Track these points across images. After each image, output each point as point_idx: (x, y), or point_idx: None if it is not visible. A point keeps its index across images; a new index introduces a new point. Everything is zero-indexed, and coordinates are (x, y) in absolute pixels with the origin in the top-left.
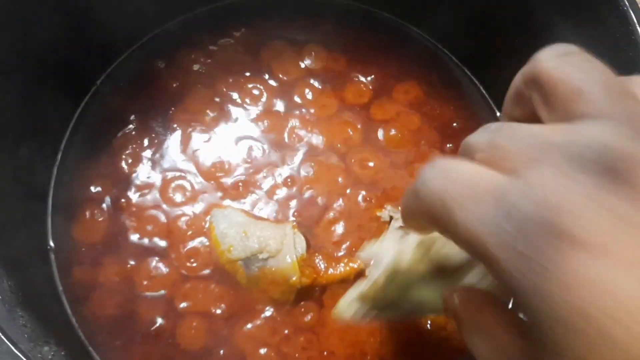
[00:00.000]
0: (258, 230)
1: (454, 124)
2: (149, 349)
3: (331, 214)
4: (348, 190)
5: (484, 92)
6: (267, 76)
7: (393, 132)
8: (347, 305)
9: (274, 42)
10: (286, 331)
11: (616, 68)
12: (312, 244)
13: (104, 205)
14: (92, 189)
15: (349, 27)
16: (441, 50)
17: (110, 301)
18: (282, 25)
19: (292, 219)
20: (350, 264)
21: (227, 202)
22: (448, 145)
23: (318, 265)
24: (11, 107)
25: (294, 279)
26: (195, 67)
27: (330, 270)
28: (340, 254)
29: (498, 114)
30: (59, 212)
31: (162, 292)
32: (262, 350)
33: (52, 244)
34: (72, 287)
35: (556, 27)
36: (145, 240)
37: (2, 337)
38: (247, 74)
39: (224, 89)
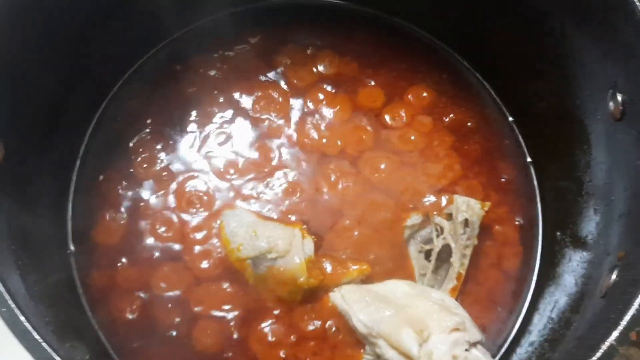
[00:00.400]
0: (267, 231)
1: (468, 124)
2: (165, 351)
3: (344, 219)
4: (360, 195)
5: (494, 95)
6: (281, 82)
7: (406, 135)
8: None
9: (288, 47)
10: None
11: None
12: (321, 247)
13: (122, 209)
14: (110, 193)
15: (360, 32)
16: (451, 55)
17: (128, 303)
18: (295, 31)
19: (301, 221)
20: (357, 266)
21: (239, 203)
22: (465, 147)
23: (325, 267)
24: (32, 113)
25: (301, 279)
26: (212, 72)
27: (338, 272)
28: (347, 256)
29: (510, 118)
30: (79, 216)
31: (178, 293)
32: (275, 352)
33: (72, 247)
34: (91, 289)
35: (567, 34)
36: (161, 244)
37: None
38: (262, 79)
39: (239, 94)
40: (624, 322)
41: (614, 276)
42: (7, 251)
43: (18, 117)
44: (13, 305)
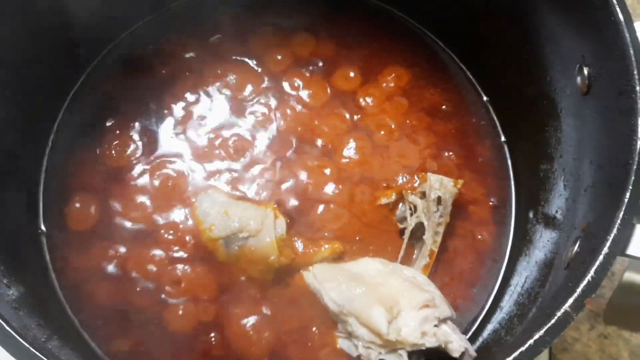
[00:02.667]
0: (239, 211)
1: (443, 105)
2: (139, 332)
3: (317, 199)
4: (334, 175)
5: (470, 76)
6: (257, 65)
7: (381, 116)
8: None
9: (263, 28)
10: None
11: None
12: (293, 226)
13: (94, 191)
14: (82, 175)
15: (336, 12)
16: (428, 35)
17: (100, 284)
18: (270, 12)
19: (274, 201)
20: (329, 245)
21: (213, 183)
22: (440, 128)
23: (297, 246)
24: (2, 94)
25: (272, 258)
26: (186, 54)
27: (309, 251)
28: (320, 236)
29: (484, 97)
30: (51, 199)
31: (151, 274)
32: (247, 331)
33: (43, 228)
34: (63, 272)
35: (539, 9)
36: (133, 225)
37: None
38: (237, 61)
39: (214, 77)
40: (579, 290)
41: (576, 247)
42: None
43: None
44: None
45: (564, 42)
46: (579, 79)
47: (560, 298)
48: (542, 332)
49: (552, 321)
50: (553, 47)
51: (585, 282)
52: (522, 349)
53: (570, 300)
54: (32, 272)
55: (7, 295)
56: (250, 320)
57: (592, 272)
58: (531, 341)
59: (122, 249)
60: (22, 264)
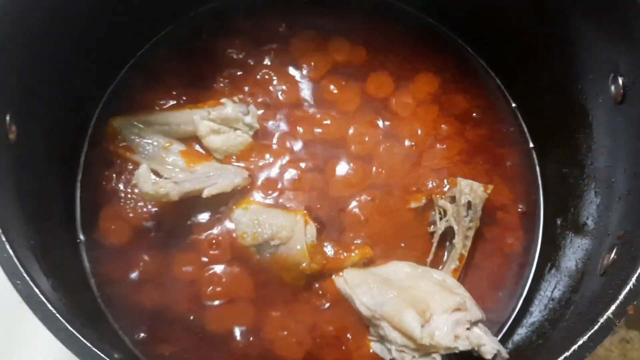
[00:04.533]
0: (270, 218)
1: (473, 112)
2: (178, 334)
3: (349, 203)
4: (366, 179)
5: (498, 81)
6: (295, 68)
7: (412, 121)
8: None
9: (303, 33)
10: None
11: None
12: (324, 232)
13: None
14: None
15: (369, 18)
16: (458, 42)
17: (141, 292)
18: (307, 17)
19: (304, 207)
20: (359, 250)
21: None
22: (469, 134)
23: (328, 251)
24: (45, 88)
25: (304, 265)
26: (229, 51)
27: (340, 257)
28: (350, 241)
29: (513, 104)
30: (88, 206)
31: (189, 278)
32: (284, 333)
33: (82, 237)
34: (101, 276)
35: (571, 18)
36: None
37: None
38: (275, 65)
39: (252, 80)
40: (621, 297)
41: (613, 255)
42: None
43: (30, 92)
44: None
45: (597, 50)
46: (613, 87)
47: (600, 304)
48: (585, 338)
49: (596, 327)
50: (585, 56)
51: (627, 289)
52: (567, 354)
53: (613, 307)
54: (72, 281)
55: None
56: (286, 324)
57: (633, 279)
58: (575, 347)
59: (160, 255)
60: (64, 275)
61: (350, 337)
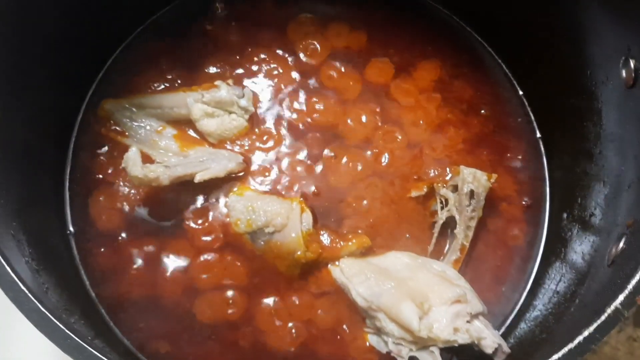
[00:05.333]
0: (265, 205)
1: (478, 99)
2: (168, 323)
3: (348, 192)
4: (366, 168)
5: (506, 69)
6: (291, 54)
7: (414, 110)
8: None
9: (300, 17)
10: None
11: None
12: (321, 220)
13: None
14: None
15: (370, 2)
16: (463, 27)
17: (130, 276)
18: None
19: (300, 194)
20: (357, 240)
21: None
22: (474, 123)
23: (324, 240)
24: (39, 59)
25: (298, 253)
26: (226, 35)
27: (336, 246)
28: (348, 229)
29: (520, 92)
30: (78, 196)
31: (180, 265)
32: (277, 323)
33: (72, 229)
34: (91, 267)
35: (583, 3)
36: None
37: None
38: (272, 48)
39: (247, 62)
40: (630, 286)
41: (621, 244)
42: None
43: (19, 72)
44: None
45: (608, 33)
46: (624, 71)
47: (607, 295)
48: (591, 329)
49: (603, 318)
50: (595, 39)
51: (636, 278)
52: (571, 345)
53: (621, 297)
54: (60, 268)
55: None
56: (279, 314)
57: None
58: (580, 338)
59: (151, 242)
60: (51, 260)
61: (346, 328)
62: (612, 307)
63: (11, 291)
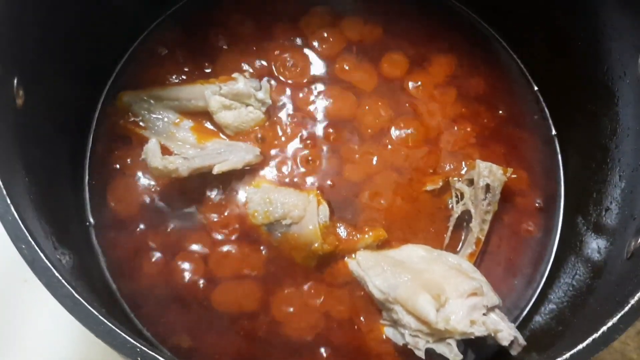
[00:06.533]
0: (282, 197)
1: (492, 96)
2: (186, 313)
3: (363, 185)
4: (381, 161)
5: (520, 64)
6: (306, 46)
7: (429, 103)
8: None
9: (314, 9)
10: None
11: None
12: (338, 213)
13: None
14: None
15: None
16: (478, 21)
17: (149, 268)
18: None
19: (318, 186)
20: (373, 232)
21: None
22: (489, 117)
23: (341, 232)
24: (55, 56)
25: (315, 245)
26: (241, 29)
27: (353, 238)
28: (364, 222)
29: (535, 87)
30: (97, 186)
31: (197, 256)
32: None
33: (92, 220)
34: (111, 256)
35: (602, 8)
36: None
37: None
38: (288, 42)
39: (263, 56)
40: None
41: None
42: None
43: (40, 59)
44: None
45: (625, 29)
46: None
47: (628, 286)
48: (615, 319)
49: (626, 308)
50: (612, 35)
51: None
52: (595, 336)
53: None
54: (82, 259)
55: None
56: (296, 304)
57: None
58: (604, 328)
59: (170, 234)
60: (73, 249)
61: (363, 320)
62: (636, 297)
63: (45, 277)
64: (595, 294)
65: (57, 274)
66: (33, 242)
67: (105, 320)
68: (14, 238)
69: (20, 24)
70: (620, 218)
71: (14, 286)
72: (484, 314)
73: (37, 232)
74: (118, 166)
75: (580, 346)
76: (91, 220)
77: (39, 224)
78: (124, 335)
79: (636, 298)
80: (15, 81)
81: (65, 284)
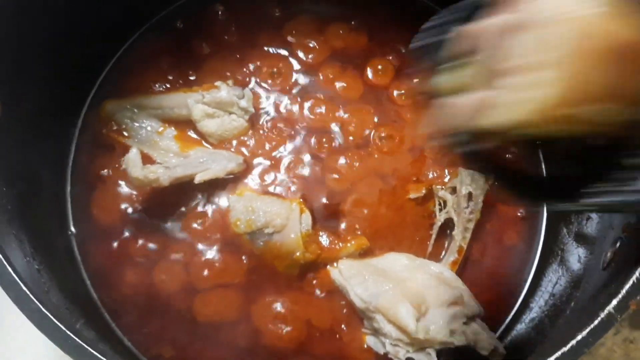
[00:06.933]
0: (264, 206)
1: None
2: (166, 322)
3: (347, 193)
4: (364, 169)
5: None
6: (291, 55)
7: (414, 110)
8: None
9: (299, 17)
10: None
11: None
12: (320, 221)
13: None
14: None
15: (370, 3)
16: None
17: (130, 277)
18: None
19: (301, 195)
20: (355, 241)
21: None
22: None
23: (323, 241)
24: (40, 58)
25: (297, 254)
26: (225, 37)
27: (335, 247)
28: (347, 230)
29: None
30: (79, 194)
31: (179, 265)
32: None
33: (73, 229)
34: (91, 264)
35: None
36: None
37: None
38: (271, 50)
39: (247, 63)
40: (623, 291)
41: (616, 248)
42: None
43: (19, 70)
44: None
45: None
46: None
47: (601, 299)
48: (584, 333)
49: (596, 322)
50: None
51: (630, 283)
52: (564, 349)
53: (614, 302)
54: (62, 269)
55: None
56: (277, 313)
57: (637, 273)
58: (573, 342)
59: (152, 242)
60: (57, 271)
61: (344, 328)
62: (606, 311)
63: (12, 291)
64: (573, 304)
65: (24, 289)
66: (1, 256)
67: (73, 335)
68: None
69: None
70: (600, 227)
71: None
72: (464, 323)
73: (8, 244)
74: (100, 175)
75: (549, 359)
76: (73, 229)
77: (14, 235)
78: (92, 350)
79: (606, 312)
80: None
81: (34, 299)
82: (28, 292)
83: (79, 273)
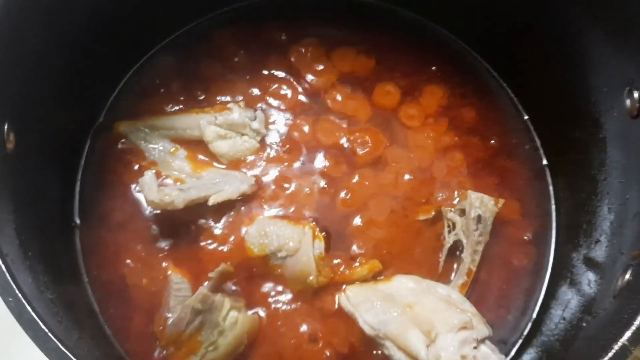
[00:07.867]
0: (277, 230)
1: (484, 126)
2: None
3: (357, 215)
4: (375, 191)
5: (511, 94)
6: (297, 79)
7: (422, 134)
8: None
9: (306, 40)
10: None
11: None
12: (332, 244)
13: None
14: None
15: (377, 27)
16: (469, 52)
17: (138, 300)
18: (314, 25)
19: (312, 218)
20: (368, 264)
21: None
22: (480, 147)
23: (336, 264)
24: (51, 83)
25: (311, 278)
26: (234, 59)
27: (349, 269)
28: (359, 253)
29: (525, 117)
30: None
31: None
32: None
33: (77, 220)
34: (96, 280)
35: (584, 30)
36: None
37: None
38: (278, 73)
39: (254, 87)
40: (637, 322)
41: (627, 276)
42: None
43: (31, 99)
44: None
45: (612, 63)
46: (628, 101)
47: (614, 329)
48: None
49: (610, 354)
50: (600, 68)
51: None
52: None
53: (628, 334)
54: (73, 300)
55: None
56: (292, 335)
57: None
58: None
59: (165, 260)
60: (65, 293)
61: (359, 347)
62: (619, 343)
63: (31, 330)
64: (585, 330)
65: (43, 327)
66: (20, 295)
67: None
68: (1, 291)
69: (10, 68)
70: (609, 252)
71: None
72: (474, 348)
73: (25, 282)
74: (112, 195)
75: None
76: (77, 221)
77: (28, 266)
78: None
79: (619, 344)
80: (6, 127)
81: (52, 337)
82: (47, 331)
83: (86, 294)
